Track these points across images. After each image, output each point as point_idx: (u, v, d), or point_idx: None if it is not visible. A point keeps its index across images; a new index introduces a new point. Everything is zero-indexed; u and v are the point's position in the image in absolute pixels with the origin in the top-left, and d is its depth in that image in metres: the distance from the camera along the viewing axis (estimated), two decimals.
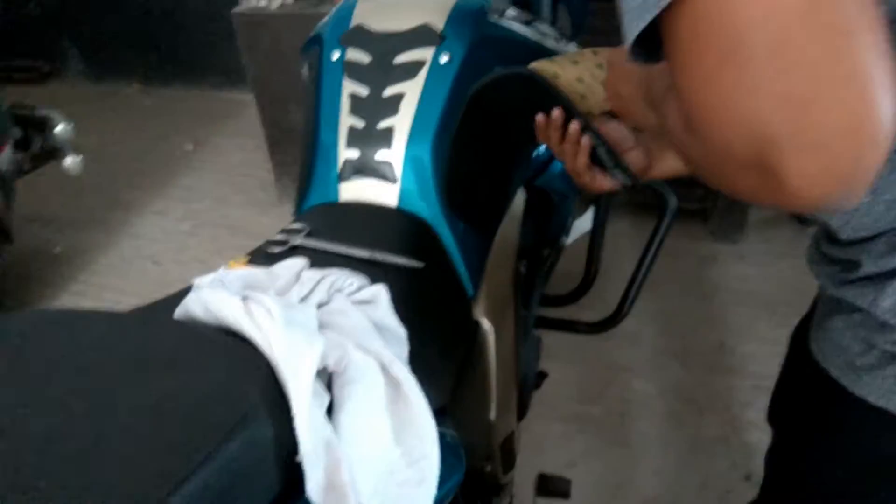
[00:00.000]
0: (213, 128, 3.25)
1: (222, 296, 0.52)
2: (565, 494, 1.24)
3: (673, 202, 1.24)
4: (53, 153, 2.12)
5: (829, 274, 0.61)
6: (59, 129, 2.10)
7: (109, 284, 2.34)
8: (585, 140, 0.73)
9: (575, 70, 0.81)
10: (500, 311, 0.92)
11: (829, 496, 0.69)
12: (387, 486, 0.49)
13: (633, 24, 0.39)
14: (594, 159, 0.76)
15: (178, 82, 3.64)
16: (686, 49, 0.38)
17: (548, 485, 1.24)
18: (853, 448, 0.64)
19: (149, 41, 3.57)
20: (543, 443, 1.66)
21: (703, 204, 2.24)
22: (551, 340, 1.82)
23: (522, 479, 1.43)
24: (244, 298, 0.52)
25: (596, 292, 1.58)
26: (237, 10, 2.27)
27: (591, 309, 1.59)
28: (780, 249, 2.17)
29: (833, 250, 0.60)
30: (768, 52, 0.34)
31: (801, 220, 2.26)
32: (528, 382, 1.25)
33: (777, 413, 0.80)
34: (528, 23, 1.00)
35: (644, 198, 2.21)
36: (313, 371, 0.46)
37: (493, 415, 0.91)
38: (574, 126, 0.73)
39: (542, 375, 1.40)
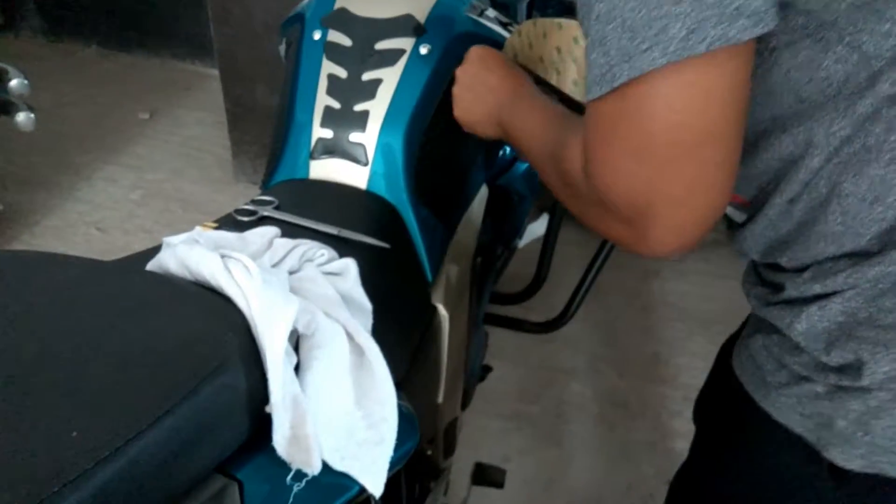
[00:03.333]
0: (172, 99, 3.18)
1: (201, 252, 0.53)
2: (500, 485, 1.28)
3: None
4: (5, 108, 2.05)
5: (757, 294, 0.65)
6: (15, 83, 2.02)
7: (50, 247, 2.28)
8: None
9: (548, 43, 0.89)
10: (455, 300, 0.95)
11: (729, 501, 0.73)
12: (347, 444, 0.51)
13: (592, 87, 0.49)
14: None
15: (140, 49, 3.55)
16: (609, 127, 0.49)
17: (483, 474, 1.28)
18: (754, 459, 0.68)
19: (113, 3, 3.48)
20: (481, 437, 1.70)
21: None
22: (497, 340, 1.86)
23: (458, 471, 1.47)
24: (223, 256, 0.53)
25: (542, 296, 1.62)
26: None
27: (537, 311, 1.64)
28: (719, 271, 2.26)
29: (767, 272, 0.65)
30: (665, 160, 0.47)
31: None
32: (474, 373, 1.29)
33: (699, 415, 0.86)
34: (504, 25, 1.03)
35: None
36: (289, 327, 0.48)
37: (440, 398, 0.94)
38: None
39: (486, 369, 1.44)
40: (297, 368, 0.54)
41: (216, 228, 0.75)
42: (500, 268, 1.58)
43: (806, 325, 0.57)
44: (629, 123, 0.48)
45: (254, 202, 0.82)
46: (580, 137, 0.55)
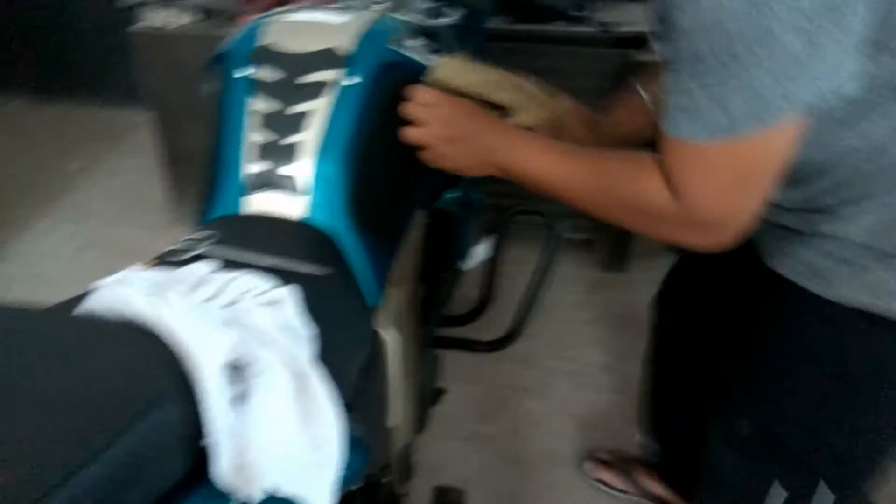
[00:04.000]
0: (105, 146, 3.14)
1: (128, 292, 0.53)
2: None
3: (558, 229, 1.34)
4: None
5: (799, 221, 0.85)
6: None
7: None
8: None
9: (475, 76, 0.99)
10: (400, 324, 0.95)
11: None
12: (292, 468, 0.51)
13: (701, 134, 0.68)
14: None
15: (70, 99, 3.49)
16: (715, 165, 0.69)
17: (443, 497, 1.28)
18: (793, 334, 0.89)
19: (39, 55, 3.42)
20: (441, 461, 1.69)
21: (592, 235, 2.37)
22: (450, 363, 1.87)
23: (420, 498, 1.46)
24: (152, 294, 0.53)
25: (494, 316, 1.64)
26: (136, 28, 2.23)
27: (490, 331, 1.66)
28: (661, 278, 2.32)
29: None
30: (757, 187, 0.70)
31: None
32: (426, 396, 1.29)
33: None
34: (431, 53, 1.06)
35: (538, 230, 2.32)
36: (221, 359, 0.48)
37: (392, 423, 0.94)
38: None
39: (440, 392, 1.44)
40: (238, 399, 0.54)
41: (150, 268, 0.75)
42: (448, 291, 1.59)
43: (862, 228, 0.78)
44: (739, 163, 0.68)
45: (188, 240, 0.82)
46: (655, 172, 0.74)
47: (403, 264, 1.02)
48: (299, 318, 0.63)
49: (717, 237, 0.74)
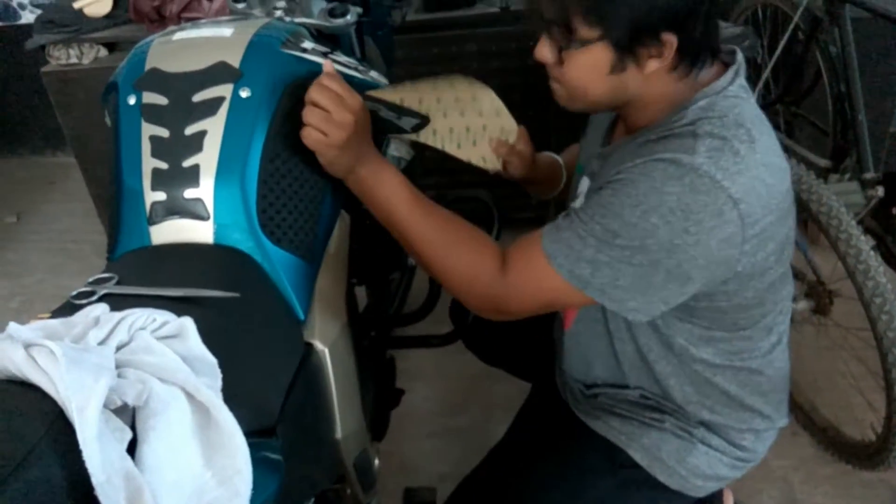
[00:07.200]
0: (38, 195, 3.05)
1: (2, 346, 0.50)
2: (431, 503, 1.26)
3: (501, 210, 1.33)
4: None
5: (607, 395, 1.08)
6: None
7: None
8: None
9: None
10: (333, 333, 0.93)
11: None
12: None
13: (570, 278, 0.85)
14: (383, 124, 0.99)
15: None
16: (546, 289, 0.87)
17: (414, 497, 1.26)
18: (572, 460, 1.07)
19: None
20: (416, 461, 1.68)
21: (537, 212, 2.37)
22: (414, 362, 1.85)
23: (397, 502, 1.44)
24: (27, 346, 0.50)
25: (447, 308, 1.63)
26: (46, 68, 2.17)
27: (444, 324, 1.64)
28: None
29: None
30: (541, 311, 0.94)
31: None
32: (380, 401, 1.27)
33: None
34: (325, 54, 1.03)
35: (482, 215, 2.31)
36: (99, 404, 0.46)
37: (339, 434, 0.92)
38: None
39: (399, 393, 1.42)
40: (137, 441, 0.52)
41: (51, 317, 0.71)
42: (399, 291, 1.56)
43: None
44: (556, 297, 0.88)
45: (92, 282, 0.79)
46: (496, 250, 0.91)
47: (330, 271, 0.99)
48: (202, 347, 0.61)
49: (499, 314, 0.92)
